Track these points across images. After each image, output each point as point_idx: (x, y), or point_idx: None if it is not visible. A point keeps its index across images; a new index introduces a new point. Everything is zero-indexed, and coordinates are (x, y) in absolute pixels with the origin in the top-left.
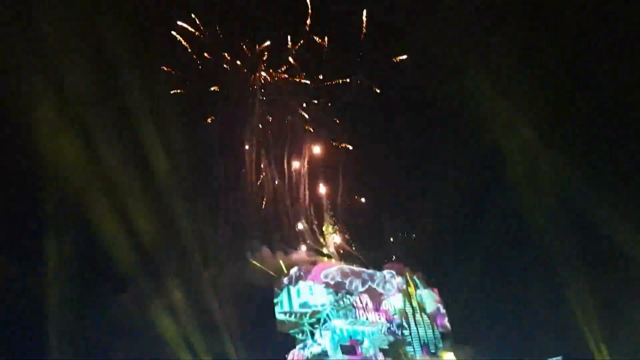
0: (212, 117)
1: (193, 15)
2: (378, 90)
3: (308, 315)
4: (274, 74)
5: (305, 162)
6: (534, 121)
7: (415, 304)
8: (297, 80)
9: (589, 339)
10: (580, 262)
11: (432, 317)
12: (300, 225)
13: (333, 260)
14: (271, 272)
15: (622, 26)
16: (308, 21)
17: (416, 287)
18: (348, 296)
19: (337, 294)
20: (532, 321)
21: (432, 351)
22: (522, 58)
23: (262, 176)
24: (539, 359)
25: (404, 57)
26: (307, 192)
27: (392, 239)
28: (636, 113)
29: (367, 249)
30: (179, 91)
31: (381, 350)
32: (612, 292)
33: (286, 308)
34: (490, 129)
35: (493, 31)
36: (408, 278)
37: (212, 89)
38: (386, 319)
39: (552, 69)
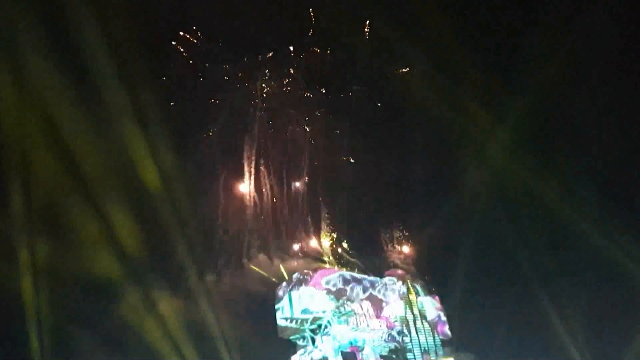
0: (212, 129)
1: (194, 27)
2: (379, 104)
3: (309, 321)
4: (275, 85)
5: (305, 172)
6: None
7: (416, 311)
8: (300, 92)
9: (585, 348)
10: (580, 272)
11: (433, 325)
12: (299, 233)
13: (336, 267)
14: (272, 278)
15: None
16: (310, 32)
17: (417, 294)
18: (349, 303)
19: (338, 301)
20: (532, 330)
21: (433, 358)
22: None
23: (262, 186)
24: None
25: (406, 69)
26: (306, 201)
27: (390, 247)
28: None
29: (367, 256)
30: (175, 103)
31: (382, 356)
32: (610, 303)
33: (287, 314)
34: (491, 142)
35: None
36: (409, 285)
37: (212, 100)
38: (387, 326)
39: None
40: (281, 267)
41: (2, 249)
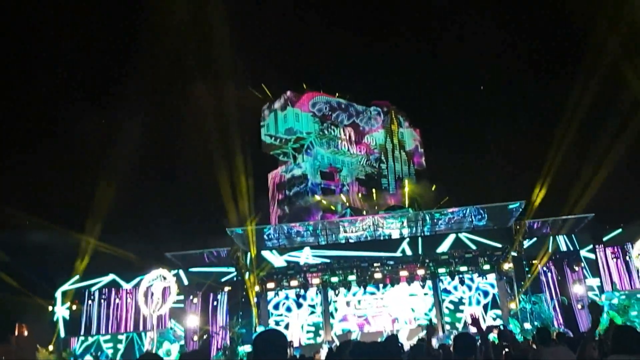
0: None
1: None
2: None
3: (292, 140)
4: None
5: None
6: None
7: (396, 141)
8: None
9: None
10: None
11: (410, 155)
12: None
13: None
14: (259, 95)
15: None
16: None
17: (399, 125)
18: (333, 127)
19: (322, 124)
20: (499, 169)
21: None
22: None
23: None
24: (500, 203)
25: None
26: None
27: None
28: None
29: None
30: None
31: (358, 179)
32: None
33: (272, 131)
34: None
35: None
36: (393, 116)
37: None
38: (366, 152)
39: None
40: (265, 87)
41: None
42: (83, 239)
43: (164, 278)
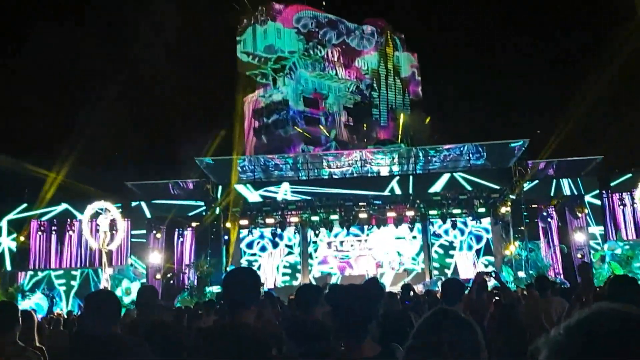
0: None
1: None
2: None
3: (272, 60)
4: None
5: None
6: None
7: (390, 66)
8: None
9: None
10: None
11: (405, 83)
12: None
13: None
14: (236, 6)
15: None
16: None
17: (395, 48)
18: (319, 47)
19: (307, 43)
20: (504, 105)
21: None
22: None
23: None
24: (502, 140)
25: None
26: None
27: None
28: None
29: None
30: None
31: (345, 108)
32: None
33: (249, 49)
34: None
35: None
36: (389, 37)
37: None
38: (356, 77)
39: None
40: None
41: None
42: (34, 167)
43: (108, 211)
